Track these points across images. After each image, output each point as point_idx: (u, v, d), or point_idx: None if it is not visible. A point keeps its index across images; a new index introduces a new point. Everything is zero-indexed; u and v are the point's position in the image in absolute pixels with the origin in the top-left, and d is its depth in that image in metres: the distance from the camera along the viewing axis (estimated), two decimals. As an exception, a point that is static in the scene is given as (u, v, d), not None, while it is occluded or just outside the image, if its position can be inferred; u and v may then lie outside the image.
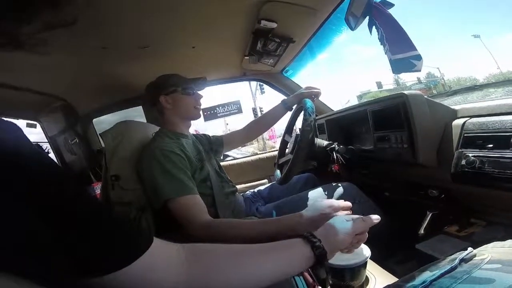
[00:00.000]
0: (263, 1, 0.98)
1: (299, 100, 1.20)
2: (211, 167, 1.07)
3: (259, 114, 13.86)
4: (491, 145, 0.63)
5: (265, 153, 2.03)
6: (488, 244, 0.38)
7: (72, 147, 1.80)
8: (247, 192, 1.31)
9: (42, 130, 1.81)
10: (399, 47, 0.84)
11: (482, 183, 0.65)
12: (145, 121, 1.75)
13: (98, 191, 1.68)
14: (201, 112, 1.11)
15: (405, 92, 0.81)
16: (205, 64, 1.56)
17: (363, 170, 1.21)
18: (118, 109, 1.83)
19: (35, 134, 1.86)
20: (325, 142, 1.09)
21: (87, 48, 1.07)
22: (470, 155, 0.66)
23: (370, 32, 0.96)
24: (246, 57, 1.49)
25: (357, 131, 1.24)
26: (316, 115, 1.18)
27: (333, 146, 1.05)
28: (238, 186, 1.62)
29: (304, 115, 0.97)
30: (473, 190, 0.70)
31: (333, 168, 1.08)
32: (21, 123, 1.70)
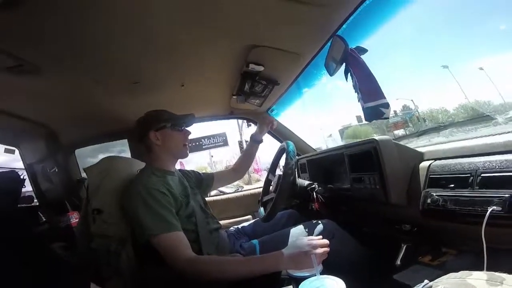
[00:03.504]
0: (251, 45, 1.07)
1: (261, 130, 1.33)
2: (196, 203, 1.07)
3: (245, 147, 13.96)
4: (452, 185, 0.70)
5: (249, 190, 2.05)
6: (444, 276, 0.42)
7: (50, 175, 1.73)
8: (231, 228, 1.31)
9: (20, 156, 1.75)
10: (370, 96, 0.91)
11: (446, 219, 0.71)
12: (129, 154, 1.77)
13: (73, 220, 1.67)
14: (188, 150, 1.13)
15: (376, 138, 0.90)
16: (194, 102, 1.63)
17: (341, 207, 1.26)
18: (103, 141, 1.85)
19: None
20: (306, 182, 1.15)
21: (76, 79, 1.09)
22: (435, 194, 0.73)
23: (346, 79, 1.02)
24: (234, 97, 1.57)
25: (336, 171, 1.31)
26: (299, 155, 1.25)
27: (313, 186, 1.12)
28: (222, 222, 1.60)
29: (286, 158, 1.04)
30: (441, 224, 0.76)
31: (313, 206, 1.13)
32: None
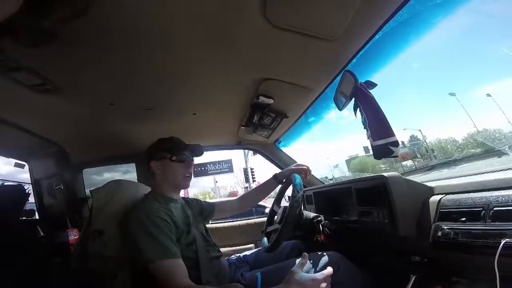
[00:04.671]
0: (262, 78, 1.11)
1: (289, 174, 1.27)
2: (197, 231, 1.07)
3: (250, 175, 13.93)
4: (464, 219, 0.71)
5: (252, 218, 2.01)
6: None
7: (55, 192, 1.75)
8: (232, 256, 1.28)
9: (29, 171, 1.79)
10: (380, 133, 0.91)
11: (458, 250, 0.71)
12: (135, 175, 1.80)
13: (72, 237, 1.66)
14: (190, 182, 1.12)
15: (385, 174, 0.89)
16: (204, 130, 1.67)
17: (348, 239, 1.23)
18: (112, 163, 1.90)
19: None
20: (312, 214, 1.13)
21: (95, 101, 1.14)
22: (445, 227, 0.73)
23: (355, 114, 1.03)
24: (242, 127, 1.60)
25: (343, 204, 1.29)
26: (305, 187, 1.24)
27: (319, 218, 1.10)
28: (223, 249, 1.57)
29: (293, 191, 1.04)
30: (451, 255, 0.76)
31: (318, 238, 1.11)
32: (10, 161, 1.70)
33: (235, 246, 1.83)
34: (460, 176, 0.90)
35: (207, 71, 1.01)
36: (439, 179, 0.97)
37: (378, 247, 1.13)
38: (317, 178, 1.79)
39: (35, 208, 1.84)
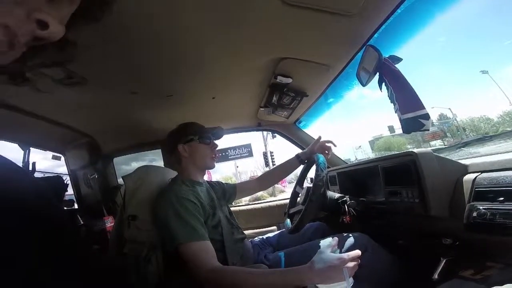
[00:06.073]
0: (280, 58, 1.08)
1: (312, 154, 1.26)
2: (222, 214, 1.10)
3: (270, 159, 13.98)
4: (501, 198, 0.66)
5: (275, 201, 2.03)
6: None
7: (91, 181, 1.87)
8: (256, 238, 1.31)
9: (65, 163, 1.91)
10: (408, 106, 0.87)
11: (495, 233, 0.67)
12: (161, 163, 1.86)
13: (108, 224, 1.76)
14: (215, 162, 1.16)
15: (415, 150, 0.85)
16: (223, 114, 1.67)
17: (375, 221, 1.20)
18: (139, 150, 1.98)
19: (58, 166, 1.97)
20: (337, 195, 1.11)
21: (118, 92, 1.18)
22: (481, 207, 0.68)
23: (380, 89, 0.99)
24: (261, 109, 1.58)
25: (368, 184, 1.25)
26: (328, 167, 1.22)
27: (344, 199, 1.08)
28: (247, 232, 1.62)
29: (317, 170, 1.02)
30: (487, 238, 0.71)
31: (344, 219, 1.09)
32: (47, 154, 1.84)
33: (257, 229, 1.87)
34: (496, 153, 0.82)
35: (222, 54, 1.00)
36: (473, 157, 0.90)
37: (407, 228, 1.09)
38: (340, 158, 1.75)
39: (73, 198, 1.98)
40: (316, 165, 1.06)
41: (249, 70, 1.17)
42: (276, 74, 1.19)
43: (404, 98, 0.89)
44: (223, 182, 1.38)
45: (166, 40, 0.86)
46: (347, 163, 1.67)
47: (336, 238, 0.80)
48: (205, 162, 1.12)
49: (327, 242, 0.99)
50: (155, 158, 2.09)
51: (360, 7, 0.77)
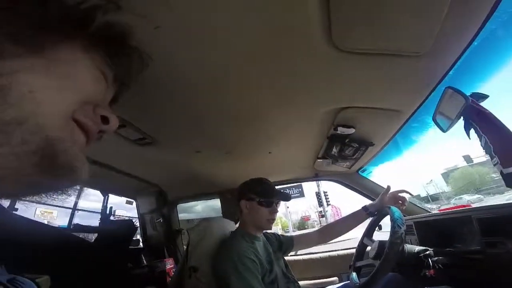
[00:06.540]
0: (339, 108, 1.02)
1: (382, 206, 1.16)
2: (278, 268, 1.08)
3: (324, 199, 13.18)
4: None
5: (335, 251, 1.84)
6: None
7: (156, 224, 2.03)
8: None
9: (136, 207, 2.14)
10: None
11: None
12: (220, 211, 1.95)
13: (168, 266, 1.82)
14: (272, 226, 1.15)
15: None
16: (279, 167, 1.67)
17: (467, 271, 0.97)
18: (200, 199, 2.15)
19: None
20: (416, 248, 0.99)
21: (185, 150, 1.29)
22: None
23: (468, 136, 0.83)
24: (319, 160, 1.51)
25: (457, 232, 1.07)
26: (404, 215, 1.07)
27: (427, 252, 0.95)
28: (302, 283, 1.50)
29: (393, 227, 0.93)
30: None
31: (427, 274, 0.95)
32: (122, 199, 2.09)
33: (315, 279, 1.70)
34: None
35: (277, 109, 1.00)
36: None
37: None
38: (416, 205, 1.52)
39: (139, 238, 2.14)
40: (391, 221, 0.96)
41: (306, 123, 1.13)
42: (336, 125, 1.12)
43: (505, 148, 0.74)
44: (279, 234, 1.34)
45: (222, 97, 0.89)
46: (424, 209, 1.45)
47: None
48: (261, 223, 1.12)
49: None
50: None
51: (429, 46, 0.69)
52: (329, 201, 13.20)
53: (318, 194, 12.87)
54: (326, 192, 12.93)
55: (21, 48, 0.25)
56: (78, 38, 0.30)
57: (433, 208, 1.59)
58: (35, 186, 0.27)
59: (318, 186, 13.26)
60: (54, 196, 0.29)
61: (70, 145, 0.28)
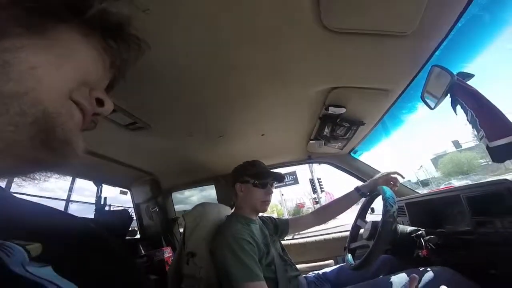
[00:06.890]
0: (330, 88, 1.03)
1: (374, 187, 1.18)
2: (275, 251, 1.09)
3: (318, 185, 13.39)
4: None
5: (330, 234, 1.89)
6: None
7: (152, 214, 2.04)
8: (310, 273, 1.24)
9: (131, 197, 2.13)
10: (497, 132, 0.72)
11: None
12: (215, 195, 1.96)
13: (166, 255, 1.84)
14: (267, 207, 1.16)
15: (508, 178, 0.76)
16: (272, 150, 1.67)
17: (459, 251, 1.02)
18: (195, 186, 2.12)
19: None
20: (409, 228, 1.01)
21: (177, 134, 1.27)
22: None
23: (455, 112, 0.86)
24: (311, 141, 1.52)
25: (447, 213, 1.10)
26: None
27: (419, 232, 0.97)
28: (299, 266, 1.53)
29: (385, 205, 0.95)
30: None
31: (420, 254, 0.97)
32: (116, 194, 2.08)
33: (311, 263, 1.75)
34: None
35: (269, 91, 1.01)
36: None
37: (502, 258, 0.90)
38: (407, 187, 1.57)
39: (136, 229, 2.15)
40: (383, 200, 0.97)
41: (297, 104, 1.14)
42: (327, 105, 1.13)
43: (490, 122, 0.76)
44: (275, 217, 1.35)
45: (215, 82, 0.90)
46: (416, 192, 1.49)
47: (416, 276, 0.68)
48: (256, 204, 1.13)
49: (401, 279, 0.89)
50: (204, 188, 2.19)
51: (415, 26, 0.71)
52: (323, 188, 13.41)
53: (312, 181, 13.04)
54: (320, 179, 13.11)
55: (23, 28, 0.26)
56: (76, 22, 0.31)
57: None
58: (32, 162, 0.27)
59: (311, 172, 13.43)
60: (49, 175, 0.30)
61: (66, 120, 0.29)
